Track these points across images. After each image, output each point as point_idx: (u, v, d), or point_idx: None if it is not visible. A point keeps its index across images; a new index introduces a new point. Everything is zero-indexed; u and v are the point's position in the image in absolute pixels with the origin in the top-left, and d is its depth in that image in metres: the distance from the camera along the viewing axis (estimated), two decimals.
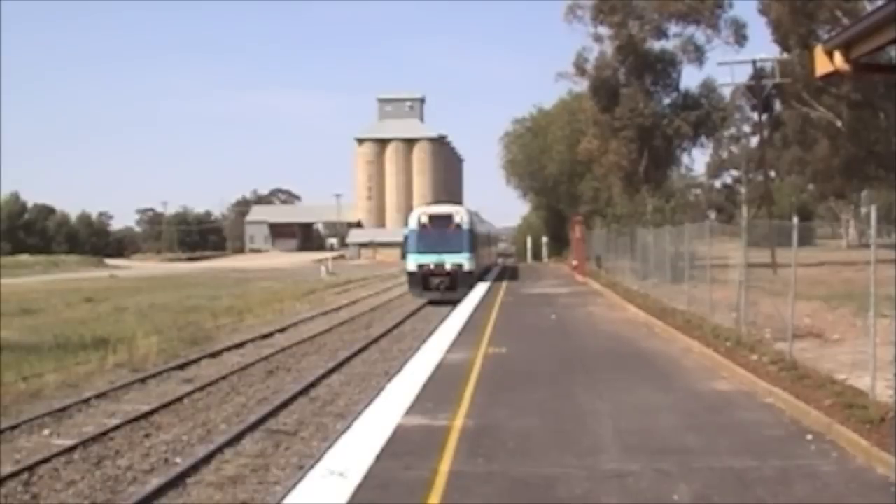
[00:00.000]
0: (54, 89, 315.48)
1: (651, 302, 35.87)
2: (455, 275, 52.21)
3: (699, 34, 66.13)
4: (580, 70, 69.49)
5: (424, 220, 53.61)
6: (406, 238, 55.05)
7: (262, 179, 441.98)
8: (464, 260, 52.44)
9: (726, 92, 70.64)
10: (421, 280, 52.64)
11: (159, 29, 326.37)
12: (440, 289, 51.65)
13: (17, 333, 38.52)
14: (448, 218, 54.10)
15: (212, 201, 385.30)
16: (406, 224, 58.93)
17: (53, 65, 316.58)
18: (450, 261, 51.98)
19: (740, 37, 65.25)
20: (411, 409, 16.47)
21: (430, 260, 52.16)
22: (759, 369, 19.16)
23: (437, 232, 52.72)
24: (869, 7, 48.97)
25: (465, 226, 53.50)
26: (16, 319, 45.45)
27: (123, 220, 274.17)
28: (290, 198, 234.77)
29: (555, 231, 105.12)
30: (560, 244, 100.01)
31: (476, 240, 56.71)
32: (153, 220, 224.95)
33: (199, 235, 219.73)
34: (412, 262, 52.96)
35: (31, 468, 17.42)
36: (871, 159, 65.42)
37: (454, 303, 44.76)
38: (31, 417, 22.03)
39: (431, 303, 50.52)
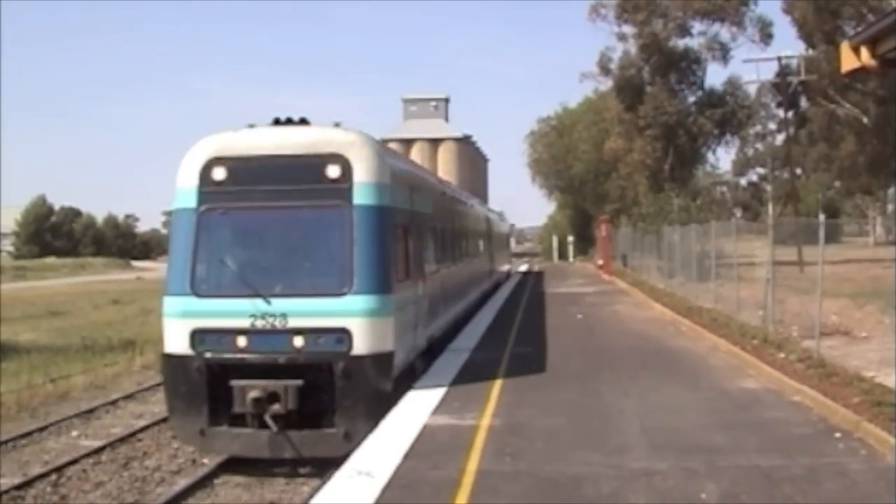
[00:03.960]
0: (80, 95, 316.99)
1: (677, 300, 35.73)
2: (316, 370, 16.70)
3: (724, 32, 66.14)
4: (604, 69, 69.59)
5: (221, 174, 17.66)
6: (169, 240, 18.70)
7: None
8: (355, 317, 16.84)
9: (751, 89, 70.48)
10: (205, 387, 16.83)
11: (185, 31, 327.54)
12: (263, 418, 16.41)
13: (45, 335, 38.81)
14: (310, 163, 17.57)
15: None
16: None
17: (78, 71, 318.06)
18: (300, 316, 16.86)
19: (765, 35, 65.16)
20: (438, 409, 16.44)
21: (235, 317, 16.97)
22: (786, 367, 19.08)
23: (268, 217, 17.93)
24: (895, 2, 48.76)
25: (371, 195, 17.55)
26: (43, 321, 45.81)
27: (149, 222, 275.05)
28: None
29: (581, 230, 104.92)
30: (586, 243, 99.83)
31: (420, 238, 21.95)
32: None
33: None
34: (177, 325, 17.28)
35: (59, 469, 17.58)
36: None
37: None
38: (60, 419, 22.23)
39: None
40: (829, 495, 10.97)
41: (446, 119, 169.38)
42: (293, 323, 16.69)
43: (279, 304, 16.75)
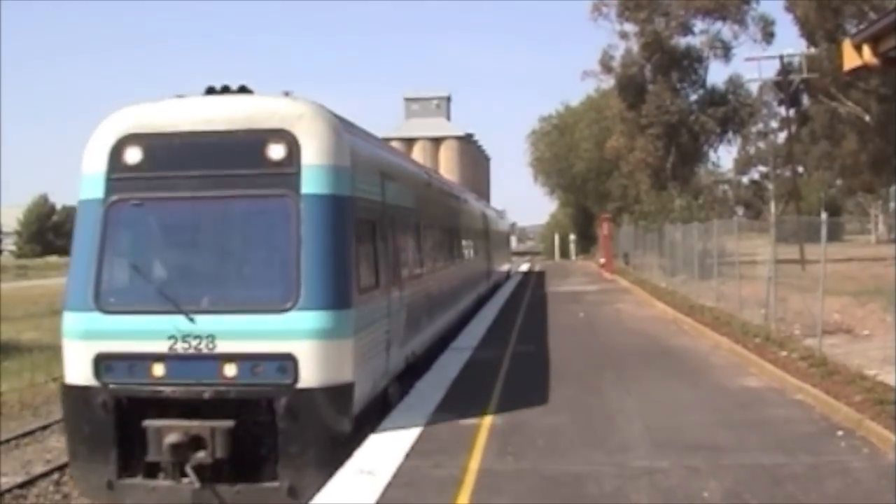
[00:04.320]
0: (84, 92, 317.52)
1: (679, 299, 35.73)
2: (253, 407, 13.29)
3: (725, 30, 66.29)
4: (606, 68, 69.73)
5: (136, 156, 14.13)
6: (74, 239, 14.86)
7: None
8: (302, 339, 13.31)
9: (753, 87, 70.46)
10: (112, 428, 13.45)
11: (186, 30, 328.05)
12: (184, 467, 12.98)
13: (47, 334, 38.75)
14: (247, 141, 14.00)
15: None
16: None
17: (81, 67, 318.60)
18: (233, 338, 13.34)
19: (767, 33, 65.31)
20: (440, 407, 16.44)
21: (149, 339, 13.45)
22: (788, 365, 19.09)
23: (193, 210, 14.36)
24: None
25: (324, 182, 13.93)
26: (45, 320, 45.72)
27: None
28: None
29: (583, 228, 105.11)
30: (588, 241, 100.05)
31: (397, 236, 18.40)
32: None
33: None
34: (77, 349, 13.85)
35: (61, 468, 17.58)
36: None
37: None
38: (62, 418, 22.24)
39: None
40: (832, 493, 10.97)
41: (448, 118, 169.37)
42: (223, 347, 13.26)
43: (206, 323, 13.30)
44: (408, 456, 13.04)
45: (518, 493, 11.31)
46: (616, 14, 67.24)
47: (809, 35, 64.01)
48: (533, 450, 13.30)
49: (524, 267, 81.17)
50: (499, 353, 23.33)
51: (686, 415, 15.59)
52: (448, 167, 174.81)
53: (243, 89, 14.68)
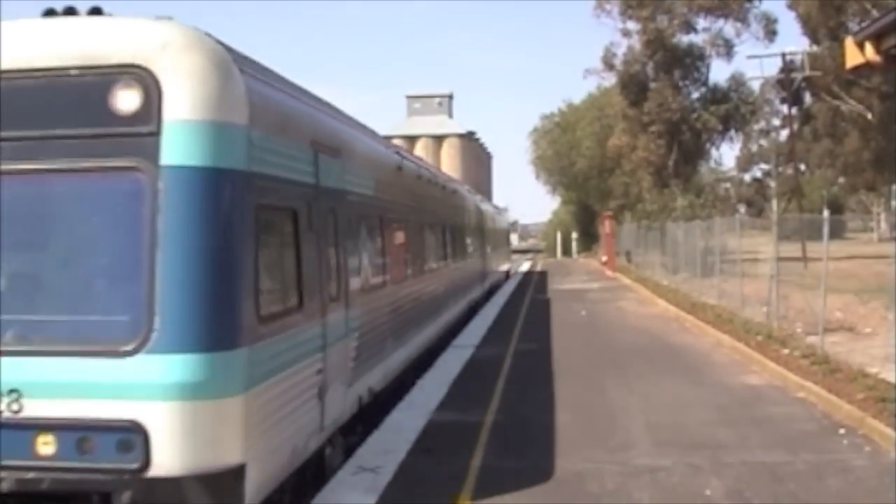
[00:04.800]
0: None
1: (681, 297, 35.72)
2: None
3: (728, 28, 66.45)
4: (608, 65, 69.88)
5: None
6: None
7: None
8: (156, 399, 8.06)
9: (755, 85, 70.61)
10: None
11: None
12: None
13: None
14: (82, 85, 8.63)
15: None
16: None
17: None
18: (49, 395, 8.18)
19: (769, 31, 65.49)
20: (442, 405, 16.42)
21: None
22: (790, 363, 19.09)
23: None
24: None
25: (200, 148, 8.55)
26: None
27: None
28: None
29: (585, 226, 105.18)
30: (590, 239, 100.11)
31: (343, 235, 12.58)
32: None
33: None
34: None
35: None
36: None
37: None
38: None
39: None
40: (834, 492, 10.96)
41: (450, 116, 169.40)
42: (34, 409, 8.25)
43: (8, 370, 8.30)
44: (410, 453, 13.01)
45: (520, 492, 11.30)
46: (619, 12, 67.52)
47: (812, 33, 64.10)
48: (535, 447, 13.29)
49: (525, 266, 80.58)
50: (501, 351, 23.35)
51: (688, 412, 15.59)
52: (450, 165, 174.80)
53: (97, 11, 9.41)
